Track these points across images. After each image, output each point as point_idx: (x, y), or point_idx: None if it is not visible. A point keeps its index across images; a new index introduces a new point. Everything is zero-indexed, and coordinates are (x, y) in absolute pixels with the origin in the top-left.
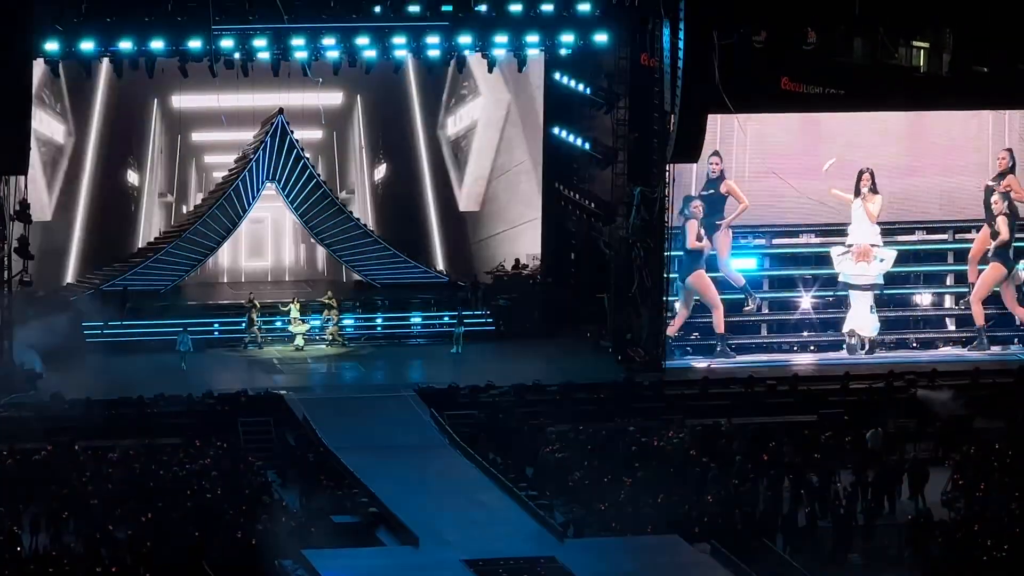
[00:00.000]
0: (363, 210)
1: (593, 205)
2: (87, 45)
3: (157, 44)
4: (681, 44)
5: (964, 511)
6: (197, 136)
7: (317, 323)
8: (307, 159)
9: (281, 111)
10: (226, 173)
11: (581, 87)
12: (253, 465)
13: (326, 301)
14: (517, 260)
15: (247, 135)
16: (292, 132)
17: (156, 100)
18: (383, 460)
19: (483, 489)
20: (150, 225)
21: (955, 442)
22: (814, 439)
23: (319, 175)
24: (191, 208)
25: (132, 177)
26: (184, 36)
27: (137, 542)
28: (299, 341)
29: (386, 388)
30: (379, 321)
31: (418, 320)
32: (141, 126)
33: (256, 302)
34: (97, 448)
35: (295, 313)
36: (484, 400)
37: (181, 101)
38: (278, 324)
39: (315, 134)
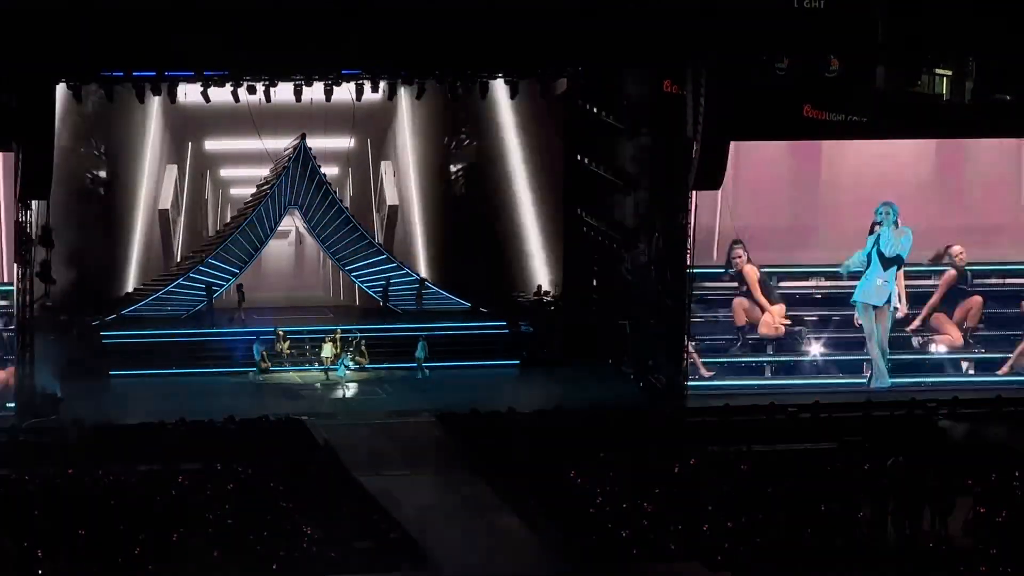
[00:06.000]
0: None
1: (615, 231)
2: (109, 69)
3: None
4: (703, 71)
5: (986, 539)
6: (225, 172)
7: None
8: (329, 184)
9: (303, 136)
10: (248, 199)
11: (603, 114)
12: (274, 490)
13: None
14: (539, 287)
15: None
16: (314, 158)
17: (190, 143)
18: (403, 485)
19: (504, 515)
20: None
21: (976, 470)
22: (835, 467)
23: (340, 200)
24: (213, 234)
25: (164, 207)
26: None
27: (158, 568)
28: (324, 357)
29: (407, 413)
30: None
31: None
32: (176, 162)
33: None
34: (118, 473)
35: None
36: (505, 425)
37: (212, 145)
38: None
39: (331, 170)
